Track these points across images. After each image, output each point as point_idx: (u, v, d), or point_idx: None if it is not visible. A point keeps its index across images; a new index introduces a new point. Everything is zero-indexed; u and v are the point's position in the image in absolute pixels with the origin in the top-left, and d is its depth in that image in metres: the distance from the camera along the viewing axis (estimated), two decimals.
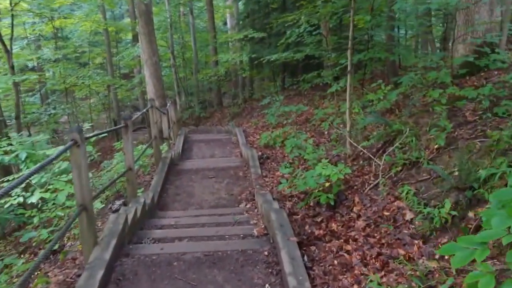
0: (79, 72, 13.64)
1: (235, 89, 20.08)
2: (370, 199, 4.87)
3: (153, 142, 7.43)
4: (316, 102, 13.02)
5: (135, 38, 17.18)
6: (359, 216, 4.63)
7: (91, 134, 4.16)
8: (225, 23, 26.04)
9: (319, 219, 4.95)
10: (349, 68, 6.12)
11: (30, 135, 14.24)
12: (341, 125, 8.47)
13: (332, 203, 4.88)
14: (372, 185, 5.02)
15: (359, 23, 11.08)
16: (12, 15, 8.97)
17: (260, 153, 8.87)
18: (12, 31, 9.35)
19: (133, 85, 18.05)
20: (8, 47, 9.00)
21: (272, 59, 13.39)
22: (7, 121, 14.90)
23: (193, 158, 9.44)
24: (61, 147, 3.50)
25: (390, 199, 4.65)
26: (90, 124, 6.35)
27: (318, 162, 6.75)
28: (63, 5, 15.08)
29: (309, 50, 11.88)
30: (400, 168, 5.00)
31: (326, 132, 9.13)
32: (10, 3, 8.80)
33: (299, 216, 5.17)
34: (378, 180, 4.99)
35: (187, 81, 19.12)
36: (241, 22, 18.57)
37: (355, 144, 5.83)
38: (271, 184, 7.02)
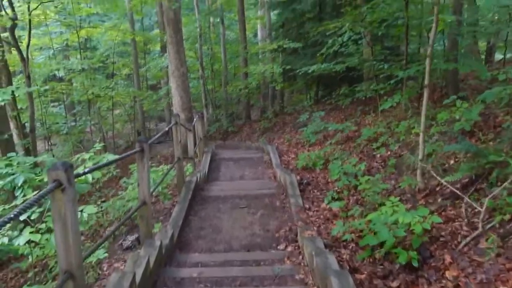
0: (102, 83, 12.75)
1: (264, 102, 18.87)
2: (469, 260, 3.43)
3: (176, 164, 6.20)
4: (358, 118, 11.57)
5: (164, 49, 16.28)
6: (457, 287, 3.20)
7: (87, 170, 2.92)
8: (255, 35, 25.08)
9: (394, 284, 3.54)
10: (426, 81, 4.75)
11: (50, 145, 13.40)
12: (401, 148, 7.03)
13: (416, 264, 3.46)
14: (469, 239, 3.57)
15: (414, 30, 9.72)
16: (30, 20, 8.05)
17: (298, 178, 7.51)
18: (29, 38, 8.46)
19: (159, 96, 17.09)
20: (25, 55, 8.05)
21: (309, 71, 12.09)
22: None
23: (221, 180, 8.19)
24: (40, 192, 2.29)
25: (503, 263, 3.20)
26: (102, 145, 5.21)
27: (378, 196, 5.36)
28: (91, 15, 14.36)
29: (357, 60, 10.49)
30: (509, 217, 3.55)
31: (378, 156, 7.68)
32: (28, 8, 7.87)
33: (363, 276, 3.77)
34: (478, 231, 3.54)
35: (215, 93, 18.03)
36: (273, 33, 17.43)
37: (436, 176, 4.38)
38: (317, 220, 5.65)
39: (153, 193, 5.68)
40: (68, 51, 16.67)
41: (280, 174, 7.61)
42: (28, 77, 7.95)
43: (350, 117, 12.08)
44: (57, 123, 13.80)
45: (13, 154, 5.19)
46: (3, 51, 8.65)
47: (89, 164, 4.86)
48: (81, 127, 14.36)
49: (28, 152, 9.00)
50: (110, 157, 4.85)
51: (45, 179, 5.64)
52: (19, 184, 4.76)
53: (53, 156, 11.99)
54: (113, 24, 13.98)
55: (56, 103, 16.31)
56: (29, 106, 8.12)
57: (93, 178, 4.69)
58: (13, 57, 11.23)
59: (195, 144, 8.16)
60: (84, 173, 2.93)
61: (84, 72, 12.84)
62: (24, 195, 4.77)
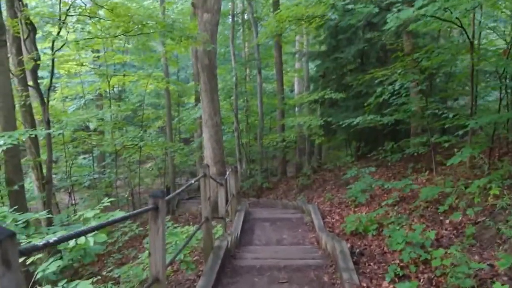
0: (129, 133, 12.29)
1: (300, 158, 17.90)
2: None
3: (204, 225, 5.18)
4: (410, 177, 10.26)
5: (198, 101, 15.96)
6: None
7: (68, 234, 1.98)
8: (291, 90, 24.78)
9: None
10: None
11: (73, 199, 12.77)
12: (478, 213, 5.73)
13: None
14: None
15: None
16: (53, 60, 7.69)
17: (349, 245, 6.26)
18: (51, 80, 8.08)
19: (191, 149, 16.49)
20: (46, 99, 7.59)
21: (353, 123, 11.10)
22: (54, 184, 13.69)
23: (256, 244, 7.05)
24: None
25: None
26: (109, 200, 4.31)
27: (471, 280, 4.06)
28: (125, 65, 14.31)
29: (412, 109, 9.48)
30: None
31: (447, 222, 6.35)
32: (52, 48, 7.52)
33: None
34: None
35: (250, 147, 17.27)
36: (312, 85, 16.86)
37: None
38: None
39: (174, 261, 4.63)
40: (101, 101, 16.61)
41: (326, 240, 6.40)
42: (48, 123, 7.42)
43: (399, 175, 10.83)
44: (86, 175, 13.30)
45: (4, 209, 4.36)
46: (26, 96, 8.28)
47: (93, 224, 3.91)
48: (109, 181, 13.76)
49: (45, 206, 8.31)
50: (119, 214, 3.91)
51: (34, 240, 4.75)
52: None
53: (75, 211, 11.28)
54: (148, 74, 13.79)
55: (87, 155, 15.99)
56: (47, 154, 7.50)
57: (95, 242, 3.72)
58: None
59: (226, 201, 7.15)
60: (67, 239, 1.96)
61: (111, 121, 12.47)
62: None
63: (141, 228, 8.74)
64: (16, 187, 6.65)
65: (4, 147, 5.27)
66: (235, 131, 15.61)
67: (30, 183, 9.65)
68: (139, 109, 15.30)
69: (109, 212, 4.09)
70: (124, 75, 13.51)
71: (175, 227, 7.62)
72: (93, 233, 3.86)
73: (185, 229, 6.00)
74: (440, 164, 9.76)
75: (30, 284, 3.67)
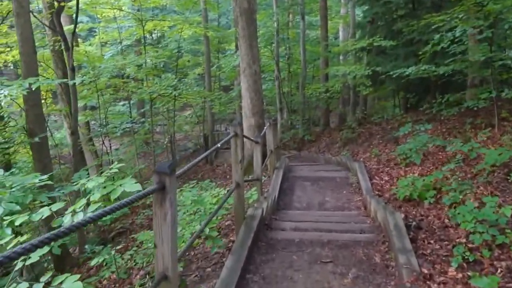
0: (164, 81, 11.40)
1: (344, 107, 16.45)
2: None
3: (235, 191, 4.28)
4: (468, 133, 8.80)
5: (238, 48, 14.70)
6: None
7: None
8: (336, 38, 22.82)
9: None
10: None
11: (110, 148, 12.36)
12: None
13: None
14: None
15: None
16: (77, 2, 6.72)
17: (403, 215, 5.19)
18: (76, 23, 7.16)
19: (230, 98, 15.49)
20: (70, 44, 6.72)
21: (405, 74, 9.63)
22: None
23: (295, 208, 6.15)
24: None
25: None
26: (119, 165, 3.46)
27: None
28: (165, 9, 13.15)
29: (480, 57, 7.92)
30: None
31: None
32: None
33: None
34: None
35: (292, 97, 16.00)
36: (359, 32, 15.02)
37: None
38: None
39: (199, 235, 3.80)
40: (139, 47, 15.69)
41: (376, 208, 5.37)
42: (72, 69, 6.62)
43: (454, 131, 9.37)
44: (122, 122, 12.76)
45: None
46: (55, 41, 7.48)
47: (97, 196, 3.09)
48: (147, 128, 13.19)
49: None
50: (128, 186, 3.04)
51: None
52: None
53: (111, 161, 10.80)
54: (183, 18, 12.59)
55: (125, 102, 15.43)
56: (72, 103, 6.79)
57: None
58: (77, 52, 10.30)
59: (263, 160, 6.20)
60: None
61: (145, 69, 11.59)
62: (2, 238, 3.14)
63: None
64: (37, 139, 6.01)
65: (24, 92, 4.58)
66: (275, 79, 14.36)
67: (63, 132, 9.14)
68: (178, 55, 14.26)
69: (118, 181, 3.24)
70: (159, 20, 12.41)
71: (212, 180, 6.86)
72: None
73: (216, 192, 5.14)
74: (503, 120, 8.27)
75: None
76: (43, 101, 11.78)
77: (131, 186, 3.17)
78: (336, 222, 5.23)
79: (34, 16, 6.92)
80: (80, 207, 3.08)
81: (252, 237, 4.13)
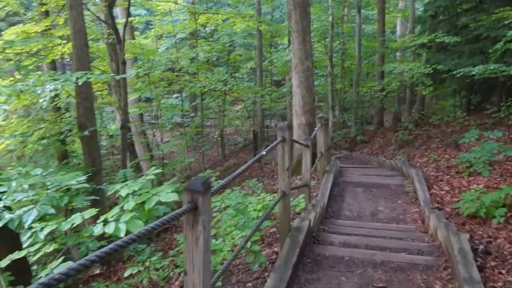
0: (215, 76, 11.17)
1: (399, 106, 15.37)
2: None
3: (280, 201, 3.87)
4: None
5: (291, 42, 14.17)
6: None
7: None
8: (393, 32, 21.51)
9: None
10: None
11: (160, 141, 12.39)
12: None
13: None
14: None
15: None
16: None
17: (468, 236, 4.51)
18: (128, 16, 7.03)
19: (281, 93, 15.00)
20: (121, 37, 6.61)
21: (472, 73, 8.66)
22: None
23: (345, 218, 5.62)
24: None
25: None
26: (158, 171, 3.16)
27: None
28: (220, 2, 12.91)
29: None
30: None
31: None
32: None
33: None
34: None
35: (344, 94, 15.20)
36: (419, 27, 13.90)
37: None
38: None
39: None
40: (192, 40, 15.60)
41: (436, 225, 4.71)
42: (123, 63, 6.51)
43: None
44: (171, 116, 12.78)
45: (37, 171, 3.47)
46: (109, 33, 7.43)
47: (131, 205, 2.81)
48: (198, 122, 13.13)
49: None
50: (163, 196, 2.74)
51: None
52: (28, 223, 2.97)
53: (163, 158, 10.71)
54: (236, 11, 12.28)
55: (178, 95, 15.47)
56: (122, 97, 6.69)
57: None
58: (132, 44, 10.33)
59: (312, 165, 5.73)
60: None
61: (195, 63, 11.44)
62: (35, 242, 2.96)
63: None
64: (86, 132, 5.96)
65: (72, 86, 4.49)
66: (328, 76, 13.67)
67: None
68: (230, 49, 14.01)
69: (154, 189, 2.94)
70: (212, 14, 12.19)
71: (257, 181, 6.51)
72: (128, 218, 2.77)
73: (261, 197, 4.75)
74: None
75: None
76: (99, 92, 12.09)
77: (166, 196, 2.86)
78: (391, 237, 4.65)
79: (87, 9, 6.89)
80: (113, 216, 2.82)
81: (297, 252, 3.70)
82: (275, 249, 4.53)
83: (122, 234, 2.70)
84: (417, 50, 13.05)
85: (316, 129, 7.00)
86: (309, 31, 9.66)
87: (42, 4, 9.62)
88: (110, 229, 2.71)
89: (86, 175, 5.17)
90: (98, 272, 6.37)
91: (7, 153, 9.91)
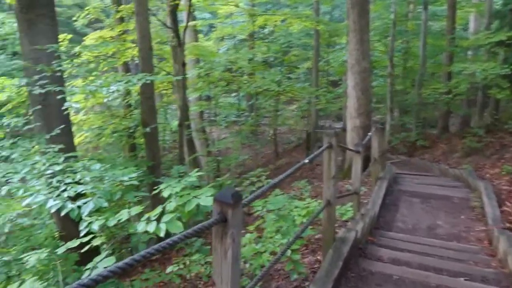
0: (270, 76, 11.08)
1: (468, 109, 14.09)
2: None
3: (325, 210, 3.68)
4: None
5: None
6: None
7: None
8: (465, 29, 19.78)
9: None
10: None
11: (216, 138, 12.58)
12: None
13: None
14: None
15: None
16: (190, 1, 6.68)
17: None
18: (188, 19, 7.14)
19: (336, 94, 14.52)
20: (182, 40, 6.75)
21: None
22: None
23: (398, 229, 5.21)
24: None
25: None
26: (199, 174, 3.12)
27: None
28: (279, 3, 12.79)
29: None
30: None
31: None
32: None
33: None
34: None
35: (405, 96, 14.32)
36: (496, 22, 12.58)
37: None
38: None
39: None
40: (250, 42, 15.67)
41: (508, 250, 4.09)
42: (183, 64, 6.66)
43: None
44: (227, 115, 12.97)
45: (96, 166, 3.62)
46: (172, 36, 7.65)
47: (172, 205, 2.81)
48: (253, 120, 13.19)
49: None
50: (203, 199, 2.71)
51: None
52: (85, 214, 3.11)
53: (218, 161, 10.83)
54: (293, 12, 12.07)
55: (235, 94, 15.65)
56: (181, 97, 6.86)
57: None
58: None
59: (365, 168, 5.41)
60: None
61: (250, 64, 11.44)
62: (90, 233, 3.09)
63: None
64: (148, 129, 6.23)
65: (136, 87, 4.71)
66: (388, 76, 12.96)
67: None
68: (286, 50, 13.84)
69: (195, 191, 2.93)
70: (270, 15, 12.10)
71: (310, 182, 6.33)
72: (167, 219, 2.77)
73: (306, 202, 4.57)
74: None
75: None
76: (165, 91, 12.60)
77: (206, 200, 2.83)
78: (449, 258, 4.19)
79: (153, 15, 7.14)
80: (155, 215, 2.85)
81: (340, 265, 3.48)
82: (319, 257, 4.33)
83: (162, 234, 2.72)
84: (493, 48, 11.85)
85: (370, 133, 6.62)
86: (368, 30, 9.18)
87: (118, 12, 10.20)
88: (151, 228, 2.74)
89: (144, 169, 5.35)
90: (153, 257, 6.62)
91: (85, 144, 10.70)
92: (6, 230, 6.69)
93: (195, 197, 2.88)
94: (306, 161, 3.18)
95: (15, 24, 9.38)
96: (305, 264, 4.07)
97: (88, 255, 3.30)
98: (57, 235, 5.87)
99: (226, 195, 1.93)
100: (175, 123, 13.41)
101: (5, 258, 5.40)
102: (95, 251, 3.33)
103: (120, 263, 1.43)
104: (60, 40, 6.55)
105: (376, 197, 5.80)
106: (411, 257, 4.11)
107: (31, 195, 3.46)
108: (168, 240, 1.64)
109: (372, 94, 10.52)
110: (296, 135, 16.94)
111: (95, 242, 2.98)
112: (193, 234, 1.77)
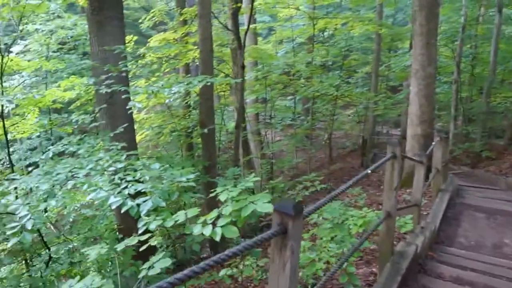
0: (328, 80, 10.78)
1: None
2: None
3: (384, 223, 3.46)
4: None
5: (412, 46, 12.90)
6: None
7: None
8: None
9: None
10: None
11: (271, 140, 12.51)
12: None
13: None
14: None
15: None
16: (252, 5, 6.66)
17: None
18: (249, 23, 7.15)
19: (396, 100, 13.82)
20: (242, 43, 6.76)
21: None
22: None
23: (459, 245, 4.81)
24: None
25: None
26: (255, 179, 3.05)
27: None
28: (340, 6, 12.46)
29: None
30: None
31: None
32: None
33: None
34: None
35: (470, 103, 13.27)
36: None
37: None
38: None
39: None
40: (309, 45, 15.42)
41: None
42: (242, 67, 6.66)
43: None
44: (282, 118, 12.86)
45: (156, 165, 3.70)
46: (233, 39, 7.71)
47: (228, 210, 2.79)
48: (309, 124, 12.95)
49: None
50: (260, 205, 2.65)
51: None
52: (144, 213, 3.19)
53: (272, 163, 10.76)
54: (355, 15, 11.67)
55: (292, 97, 15.47)
56: (239, 100, 6.87)
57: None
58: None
59: (426, 178, 5.06)
60: None
61: (308, 68, 11.20)
62: (147, 230, 3.16)
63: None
64: (206, 130, 6.30)
65: (200, 85, 4.79)
66: (453, 83, 12.08)
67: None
68: (346, 54, 13.42)
69: (251, 196, 2.87)
70: (331, 18, 11.80)
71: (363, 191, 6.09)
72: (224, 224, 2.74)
73: (363, 211, 4.34)
74: None
75: None
76: (222, 93, 12.78)
77: (263, 206, 2.76)
78: None
79: (215, 17, 7.24)
80: (211, 219, 2.83)
81: (398, 281, 3.25)
82: (374, 269, 4.10)
83: (217, 238, 2.69)
84: None
85: (433, 143, 6.17)
86: (435, 34, 8.59)
87: (181, 14, 10.49)
88: (207, 231, 2.72)
89: (200, 169, 5.42)
90: (206, 255, 6.70)
91: (145, 142, 11.12)
92: (71, 219, 7.15)
93: (252, 202, 2.82)
94: (369, 171, 3.00)
95: (86, 26, 10.04)
96: (359, 276, 3.88)
97: (145, 249, 3.38)
98: (116, 228, 6.13)
99: (287, 206, 1.84)
100: (231, 124, 13.57)
101: (70, 246, 5.75)
102: (151, 245, 3.38)
103: (179, 275, 1.40)
104: (126, 41, 6.80)
105: (437, 210, 5.40)
106: (475, 277, 3.75)
107: (94, 190, 3.60)
108: (227, 252, 1.59)
109: (435, 101, 9.84)
110: (351, 140, 16.42)
111: (153, 242, 3.03)
112: (253, 245, 1.71)
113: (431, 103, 8.56)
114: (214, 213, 2.88)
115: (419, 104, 8.37)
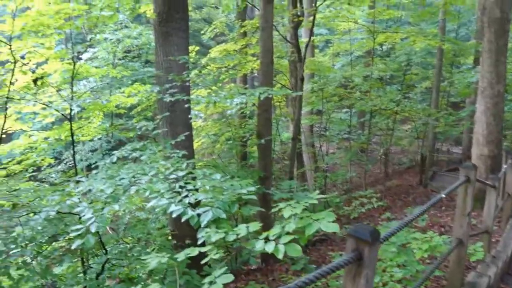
0: (387, 95, 10.30)
1: None
2: None
3: (455, 251, 3.17)
4: None
5: (477, 62, 12.04)
6: None
7: None
8: None
9: None
10: None
11: (326, 153, 12.20)
12: None
13: None
14: None
15: None
16: (314, 16, 6.55)
17: None
18: (310, 38, 7.07)
19: (458, 117, 12.90)
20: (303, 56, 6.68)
21: None
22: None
23: None
24: None
25: None
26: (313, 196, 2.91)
27: None
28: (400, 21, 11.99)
29: None
30: None
31: None
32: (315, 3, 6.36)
33: None
34: None
35: None
36: None
37: None
38: None
39: None
40: (368, 58, 14.96)
41: None
42: (302, 79, 6.56)
43: None
44: (338, 132, 12.53)
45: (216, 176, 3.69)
46: (292, 52, 7.67)
47: (291, 227, 2.69)
48: (365, 138, 12.51)
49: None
50: (324, 224, 2.53)
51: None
52: (204, 223, 3.17)
53: (326, 175, 10.50)
54: (417, 30, 11.11)
55: (348, 110, 15.06)
56: (296, 112, 6.77)
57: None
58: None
59: (496, 208, 4.61)
60: None
61: (369, 80, 10.80)
62: (204, 244, 3.14)
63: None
64: (262, 141, 6.27)
65: (262, 97, 4.76)
66: None
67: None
68: (406, 69, 12.81)
69: (315, 214, 2.75)
70: (392, 32, 11.35)
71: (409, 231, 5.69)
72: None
73: (428, 235, 4.02)
74: None
75: None
76: (278, 103, 12.75)
77: (327, 225, 2.62)
78: None
79: (276, 30, 7.23)
80: (274, 235, 2.75)
81: None
82: None
83: (280, 256, 2.60)
84: None
85: (505, 165, 5.63)
86: (505, 51, 7.94)
87: (242, 27, 10.69)
88: (269, 248, 2.64)
89: (256, 180, 5.35)
90: (255, 267, 6.61)
91: (201, 149, 11.33)
92: (126, 221, 7.35)
93: (316, 220, 2.69)
94: (443, 195, 2.76)
95: (151, 36, 10.47)
96: None
97: (197, 257, 3.26)
98: (169, 234, 6.14)
99: (363, 232, 1.72)
100: (285, 135, 13.47)
101: (127, 247, 5.73)
102: (203, 253, 3.25)
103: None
104: (189, 51, 6.94)
105: (508, 238, 4.89)
106: None
107: (155, 197, 3.59)
108: (304, 279, 1.49)
109: (503, 120, 9.03)
110: (408, 156, 15.59)
111: (213, 255, 2.99)
112: (328, 272, 1.60)
113: (499, 122, 7.89)
114: (277, 229, 2.79)
115: (486, 123, 7.75)
